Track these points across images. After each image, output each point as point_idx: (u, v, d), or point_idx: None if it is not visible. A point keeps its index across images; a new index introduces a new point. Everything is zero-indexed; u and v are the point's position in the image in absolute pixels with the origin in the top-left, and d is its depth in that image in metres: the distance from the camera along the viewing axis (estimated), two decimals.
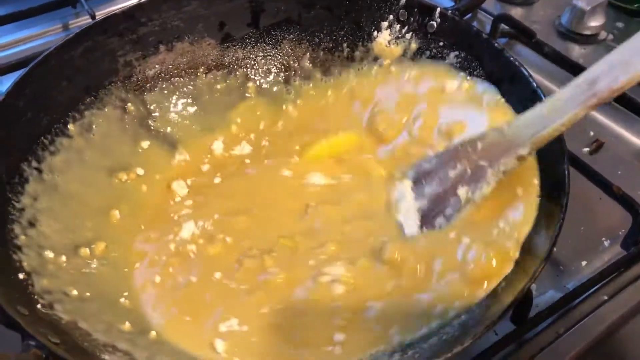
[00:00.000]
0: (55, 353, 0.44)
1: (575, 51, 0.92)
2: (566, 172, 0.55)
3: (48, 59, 0.66)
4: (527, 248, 0.54)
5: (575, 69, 0.84)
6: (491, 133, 0.61)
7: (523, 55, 0.89)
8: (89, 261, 0.61)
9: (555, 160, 0.57)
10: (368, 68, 0.76)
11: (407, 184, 0.66)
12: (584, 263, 0.67)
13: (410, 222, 0.63)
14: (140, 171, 0.70)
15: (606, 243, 0.68)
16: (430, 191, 0.63)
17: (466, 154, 0.61)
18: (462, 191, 0.60)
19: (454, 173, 0.62)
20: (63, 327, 0.51)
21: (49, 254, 0.58)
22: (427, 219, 0.62)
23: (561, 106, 0.55)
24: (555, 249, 0.51)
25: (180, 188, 0.70)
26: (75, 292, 0.56)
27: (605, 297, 0.62)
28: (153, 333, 0.56)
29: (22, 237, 0.58)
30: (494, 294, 0.52)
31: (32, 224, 0.59)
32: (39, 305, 0.51)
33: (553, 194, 0.55)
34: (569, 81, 0.81)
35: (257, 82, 0.79)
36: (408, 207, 0.64)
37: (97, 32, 0.70)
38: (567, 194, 0.53)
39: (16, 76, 0.64)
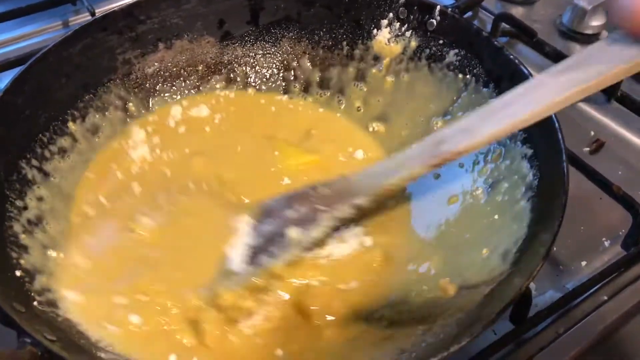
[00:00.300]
0: (51, 350, 0.43)
1: (577, 50, 0.91)
2: (565, 170, 0.55)
3: (47, 56, 0.66)
4: (526, 247, 0.54)
5: None
6: (339, 181, 0.62)
7: (524, 55, 0.89)
8: None
9: (554, 159, 0.57)
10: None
11: (248, 220, 0.62)
12: (583, 263, 0.67)
13: (236, 256, 0.60)
14: None
15: (606, 243, 0.68)
16: (266, 230, 0.61)
17: (307, 198, 0.61)
18: (292, 231, 0.59)
19: (291, 214, 0.60)
20: (59, 324, 0.51)
21: (52, 253, 0.59)
22: (254, 256, 0.59)
23: (405, 162, 0.58)
24: (554, 249, 0.51)
25: None
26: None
27: (605, 297, 0.62)
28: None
29: (22, 236, 0.58)
30: (492, 293, 0.51)
31: (33, 223, 0.60)
32: (35, 303, 0.51)
33: (552, 193, 0.55)
34: None
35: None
36: (238, 242, 0.61)
37: (96, 29, 0.70)
38: (566, 192, 0.53)
39: (15, 73, 0.63)
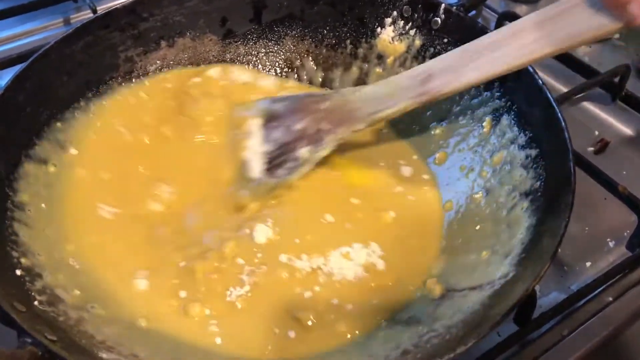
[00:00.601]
0: (51, 350, 0.43)
1: (581, 49, 0.91)
2: (572, 170, 0.54)
3: (48, 53, 0.65)
4: (532, 248, 0.53)
5: (580, 67, 0.84)
6: (335, 95, 0.65)
7: None
8: None
9: (560, 160, 0.56)
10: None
11: (257, 122, 0.66)
12: (588, 264, 0.66)
13: (254, 163, 0.64)
14: None
15: (611, 244, 0.68)
16: (277, 137, 0.64)
17: (312, 110, 0.64)
18: (303, 150, 0.63)
19: (299, 126, 0.64)
20: (61, 324, 0.50)
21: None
22: (270, 166, 0.63)
23: (397, 93, 0.60)
24: (559, 250, 0.51)
25: None
26: (77, 292, 0.56)
27: (610, 299, 0.61)
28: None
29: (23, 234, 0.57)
30: (497, 294, 0.51)
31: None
32: (36, 302, 0.51)
33: (558, 193, 0.55)
34: (574, 79, 0.83)
35: None
36: (255, 147, 0.65)
37: (98, 26, 0.70)
38: (572, 193, 0.53)
39: (16, 70, 0.63)
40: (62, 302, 0.53)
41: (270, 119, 0.66)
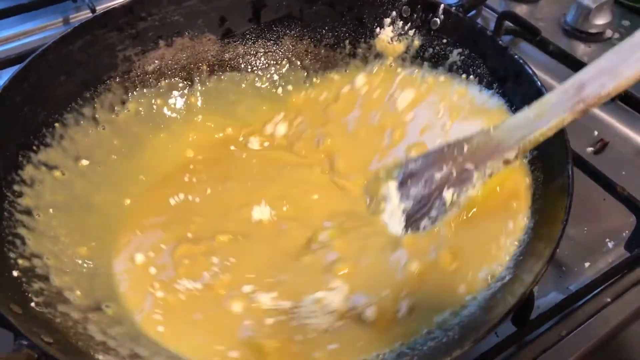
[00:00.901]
0: (47, 353, 0.43)
1: (581, 49, 0.91)
2: (570, 172, 0.54)
3: (46, 53, 0.65)
4: (530, 249, 0.53)
5: (580, 67, 0.83)
6: (477, 135, 0.61)
7: (528, 54, 0.88)
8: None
9: (559, 160, 0.56)
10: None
11: (393, 185, 0.65)
12: (586, 264, 0.66)
13: (394, 223, 0.63)
14: None
15: (610, 244, 0.68)
16: (416, 192, 0.63)
17: (452, 156, 0.61)
18: (447, 193, 0.60)
19: (439, 175, 0.61)
20: (57, 325, 0.50)
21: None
22: (411, 220, 0.62)
23: (548, 110, 0.55)
24: (557, 250, 0.50)
25: None
26: (78, 292, 0.56)
27: (609, 299, 0.61)
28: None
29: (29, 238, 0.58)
30: (495, 296, 0.51)
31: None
32: (32, 304, 0.51)
33: (557, 194, 0.54)
34: None
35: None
36: (393, 208, 0.64)
37: (96, 26, 0.70)
38: (570, 194, 0.52)
39: (14, 71, 0.63)
40: (65, 303, 0.54)
41: (407, 179, 0.64)
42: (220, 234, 0.63)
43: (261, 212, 0.66)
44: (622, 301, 0.61)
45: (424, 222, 0.61)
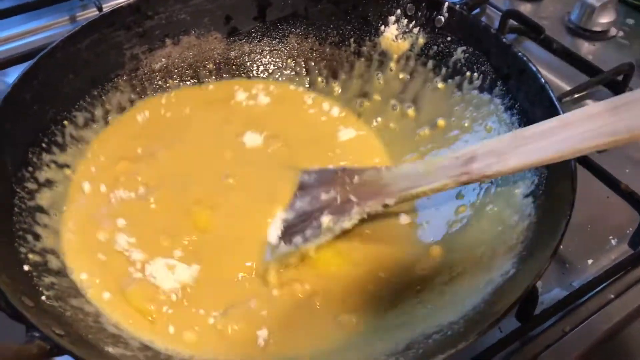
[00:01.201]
0: (59, 345, 0.44)
1: (585, 48, 0.91)
2: (573, 168, 0.54)
3: (54, 51, 0.66)
4: (533, 245, 0.54)
5: (584, 66, 0.84)
6: (370, 171, 0.63)
7: (531, 52, 0.88)
8: None
9: None
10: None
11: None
12: (590, 261, 0.66)
13: (274, 232, 0.62)
14: None
15: (613, 241, 0.68)
16: (300, 206, 0.63)
17: (342, 182, 0.63)
18: (325, 219, 0.61)
19: (325, 196, 0.63)
20: (67, 319, 0.51)
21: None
22: (288, 233, 0.62)
23: (435, 172, 0.58)
24: (561, 247, 0.51)
25: None
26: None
27: (612, 296, 0.61)
28: None
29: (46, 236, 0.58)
30: (499, 291, 0.51)
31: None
32: (43, 297, 0.52)
33: (560, 191, 0.55)
34: (577, 78, 0.83)
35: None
36: (279, 216, 0.64)
37: (104, 24, 0.70)
38: (574, 190, 0.53)
39: (22, 69, 0.64)
40: (78, 297, 0.55)
41: (300, 189, 0.65)
42: None
43: None
44: (626, 298, 0.61)
45: (297, 239, 0.60)
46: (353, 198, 0.62)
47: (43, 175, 0.63)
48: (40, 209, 0.60)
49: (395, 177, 0.62)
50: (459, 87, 0.71)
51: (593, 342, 0.58)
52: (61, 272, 0.56)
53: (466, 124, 0.69)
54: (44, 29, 0.94)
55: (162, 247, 0.61)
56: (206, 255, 0.61)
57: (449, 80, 0.72)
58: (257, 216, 0.64)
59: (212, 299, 0.58)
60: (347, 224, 0.61)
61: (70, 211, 0.63)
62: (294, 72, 0.79)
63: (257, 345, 0.55)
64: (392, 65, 0.76)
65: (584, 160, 0.68)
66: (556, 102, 0.59)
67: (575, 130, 0.51)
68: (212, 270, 0.60)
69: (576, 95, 0.80)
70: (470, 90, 0.70)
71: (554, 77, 0.86)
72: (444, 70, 0.72)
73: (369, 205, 0.61)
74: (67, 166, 0.66)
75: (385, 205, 0.61)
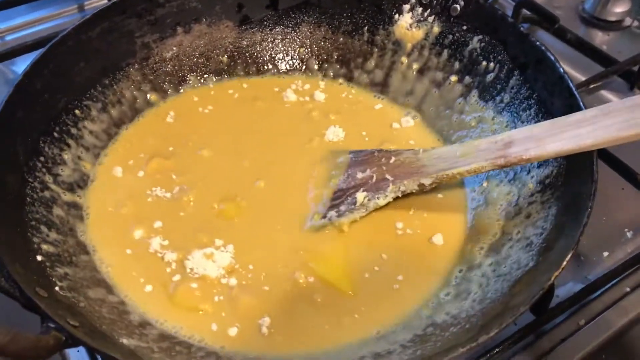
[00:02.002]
0: (74, 336, 0.43)
1: (599, 38, 0.90)
2: (594, 160, 0.54)
3: (65, 39, 0.65)
4: (553, 238, 0.53)
5: (598, 56, 0.83)
6: (407, 152, 0.65)
7: (545, 42, 0.86)
8: None
9: None
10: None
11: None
12: (605, 254, 0.66)
13: (324, 200, 0.65)
14: None
15: (629, 234, 0.67)
16: (338, 184, 0.65)
17: (379, 162, 0.65)
18: (360, 195, 0.63)
19: (361, 175, 0.65)
20: (81, 310, 0.50)
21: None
22: (329, 206, 0.64)
23: (473, 154, 0.59)
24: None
25: None
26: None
27: (628, 289, 0.61)
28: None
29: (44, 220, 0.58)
30: (517, 284, 0.51)
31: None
32: (57, 288, 0.51)
33: (580, 182, 0.54)
34: (592, 68, 0.82)
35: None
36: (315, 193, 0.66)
37: (115, 12, 0.70)
38: (595, 181, 0.52)
39: (31, 58, 0.63)
40: (98, 288, 0.55)
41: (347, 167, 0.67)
42: None
43: None
44: None
45: (331, 213, 0.62)
46: (389, 177, 0.63)
47: (58, 166, 0.63)
48: (53, 200, 0.60)
49: (432, 158, 0.63)
50: None
51: (608, 335, 0.58)
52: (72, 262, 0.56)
53: None
54: (51, 18, 0.94)
55: (199, 242, 0.61)
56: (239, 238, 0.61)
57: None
58: (294, 192, 0.66)
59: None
60: (381, 201, 0.63)
61: (94, 207, 0.64)
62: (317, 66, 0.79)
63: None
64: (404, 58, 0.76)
65: (601, 152, 0.67)
66: (575, 92, 0.59)
67: (614, 119, 0.52)
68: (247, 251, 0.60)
69: (591, 86, 0.79)
70: None
71: (568, 68, 0.85)
72: (459, 59, 0.71)
73: (404, 184, 0.62)
74: (83, 159, 0.66)
75: (421, 185, 0.62)
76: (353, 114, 0.75)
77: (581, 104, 0.57)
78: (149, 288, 0.57)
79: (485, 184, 0.66)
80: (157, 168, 0.67)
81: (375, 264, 0.60)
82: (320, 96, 0.76)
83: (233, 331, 0.55)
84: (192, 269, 0.58)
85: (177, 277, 0.58)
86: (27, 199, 0.57)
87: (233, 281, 0.58)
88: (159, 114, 0.73)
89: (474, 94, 0.70)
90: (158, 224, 0.62)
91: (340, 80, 0.78)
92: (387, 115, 0.75)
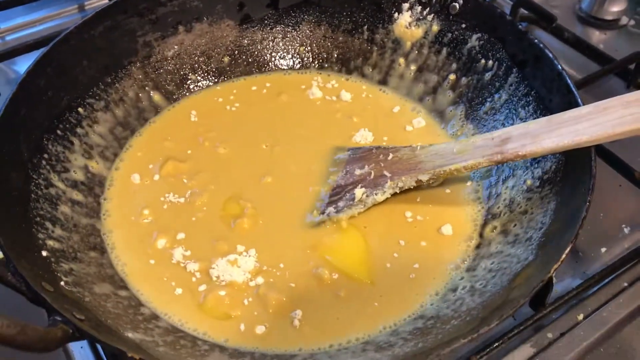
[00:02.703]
0: (81, 329, 0.44)
1: (596, 37, 0.91)
2: (592, 155, 0.54)
3: (68, 38, 0.66)
4: (551, 232, 0.54)
5: (595, 54, 0.84)
6: (404, 149, 0.66)
7: (542, 41, 0.87)
8: None
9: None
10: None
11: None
12: (603, 249, 0.66)
13: (322, 196, 0.65)
14: None
15: (626, 230, 0.68)
16: (336, 180, 0.66)
17: (377, 159, 0.66)
18: (359, 191, 0.63)
19: (359, 171, 0.65)
20: (87, 304, 0.51)
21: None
22: (327, 202, 0.64)
23: (470, 151, 0.60)
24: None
25: None
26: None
27: (625, 284, 0.62)
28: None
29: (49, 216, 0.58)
30: (516, 278, 0.51)
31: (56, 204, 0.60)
32: (62, 283, 0.52)
33: (578, 177, 0.55)
34: (588, 67, 0.83)
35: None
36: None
37: (117, 11, 0.70)
38: (593, 176, 0.53)
39: (32, 57, 0.63)
40: (108, 284, 0.56)
41: (345, 164, 0.68)
42: None
43: None
44: (639, 286, 0.61)
45: (330, 209, 0.63)
46: (387, 173, 0.64)
47: (62, 164, 0.63)
48: (58, 196, 0.61)
49: (429, 154, 0.63)
50: None
51: (606, 330, 0.58)
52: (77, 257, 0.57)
53: None
54: (51, 18, 0.94)
55: (220, 251, 0.61)
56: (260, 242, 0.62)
57: None
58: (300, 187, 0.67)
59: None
60: (379, 197, 0.63)
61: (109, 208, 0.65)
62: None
63: None
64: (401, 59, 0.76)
65: (598, 148, 0.68)
66: (573, 89, 0.59)
67: (611, 115, 0.52)
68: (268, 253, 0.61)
69: (588, 85, 0.80)
70: None
71: (565, 66, 0.83)
72: (458, 58, 0.72)
73: (402, 180, 0.63)
74: (89, 158, 0.67)
75: (419, 181, 0.63)
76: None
77: (579, 100, 0.58)
78: (178, 291, 0.58)
79: (485, 180, 0.66)
80: (171, 172, 0.68)
81: (395, 250, 0.61)
82: (346, 96, 0.76)
83: (261, 329, 0.55)
84: (218, 277, 0.58)
85: (203, 287, 0.58)
86: (32, 195, 0.58)
87: (260, 280, 0.58)
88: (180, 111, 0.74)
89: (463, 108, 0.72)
90: (181, 236, 0.62)
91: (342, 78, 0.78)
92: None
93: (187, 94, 0.76)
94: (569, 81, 0.60)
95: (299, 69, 0.79)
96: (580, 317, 0.59)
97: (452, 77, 0.73)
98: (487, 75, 0.70)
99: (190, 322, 0.55)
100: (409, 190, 0.64)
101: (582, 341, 0.58)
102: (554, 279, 0.58)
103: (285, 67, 0.79)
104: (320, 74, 0.79)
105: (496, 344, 0.54)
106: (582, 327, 0.58)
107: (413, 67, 0.76)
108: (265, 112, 0.75)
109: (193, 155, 0.70)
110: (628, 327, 0.60)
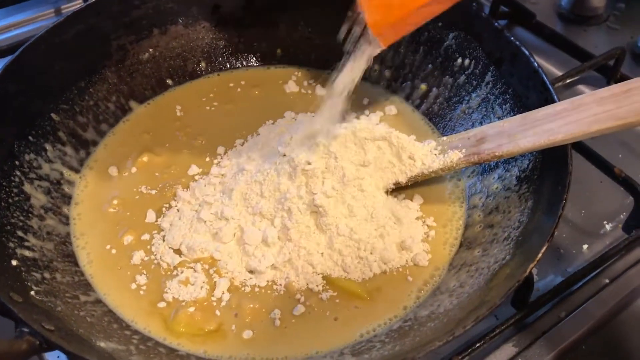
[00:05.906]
0: (49, 340, 0.43)
1: (576, 33, 0.91)
2: (568, 152, 0.54)
3: (38, 42, 0.65)
4: (528, 231, 0.53)
5: (575, 51, 0.83)
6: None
7: (522, 38, 0.88)
8: None
9: None
10: None
11: None
12: (584, 247, 0.66)
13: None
14: None
15: (607, 226, 0.68)
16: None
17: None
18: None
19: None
20: (58, 314, 0.50)
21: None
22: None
23: (447, 150, 0.60)
24: (555, 233, 0.50)
25: None
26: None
27: (607, 281, 0.61)
28: None
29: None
30: (495, 277, 0.51)
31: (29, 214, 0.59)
32: (32, 292, 0.51)
33: (555, 175, 0.55)
34: (569, 63, 0.83)
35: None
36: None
37: (90, 14, 0.69)
38: (569, 174, 0.53)
39: (5, 62, 0.62)
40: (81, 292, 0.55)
41: None
42: None
43: None
44: (621, 282, 0.61)
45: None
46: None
47: (34, 171, 0.62)
48: (34, 205, 0.60)
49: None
50: None
51: (589, 327, 0.58)
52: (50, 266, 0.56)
53: None
54: (28, 22, 0.93)
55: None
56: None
57: None
58: None
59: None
60: None
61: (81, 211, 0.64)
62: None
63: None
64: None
65: (578, 145, 0.68)
66: (549, 86, 0.59)
67: (585, 113, 0.52)
68: None
69: (568, 81, 0.80)
70: None
71: (546, 63, 0.86)
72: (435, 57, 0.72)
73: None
74: (63, 164, 0.66)
75: (397, 184, 0.62)
76: None
77: (555, 97, 0.58)
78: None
79: (463, 179, 0.66)
80: (146, 165, 0.68)
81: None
82: (322, 91, 0.76)
83: (248, 334, 0.55)
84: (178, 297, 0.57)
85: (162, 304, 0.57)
86: (2, 203, 0.57)
87: (227, 296, 0.57)
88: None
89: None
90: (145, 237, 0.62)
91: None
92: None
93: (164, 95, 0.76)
94: (545, 78, 0.60)
95: (276, 67, 0.79)
96: (563, 314, 0.59)
97: (428, 76, 0.73)
98: (464, 74, 0.69)
99: (163, 334, 0.54)
100: (385, 192, 0.64)
101: (565, 339, 0.57)
102: (535, 277, 0.58)
103: (262, 66, 0.79)
104: (299, 71, 0.79)
105: (478, 344, 0.54)
106: (564, 325, 0.58)
107: (390, 66, 0.75)
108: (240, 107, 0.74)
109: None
110: (610, 324, 0.59)
